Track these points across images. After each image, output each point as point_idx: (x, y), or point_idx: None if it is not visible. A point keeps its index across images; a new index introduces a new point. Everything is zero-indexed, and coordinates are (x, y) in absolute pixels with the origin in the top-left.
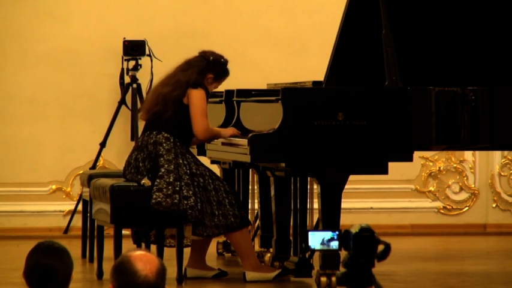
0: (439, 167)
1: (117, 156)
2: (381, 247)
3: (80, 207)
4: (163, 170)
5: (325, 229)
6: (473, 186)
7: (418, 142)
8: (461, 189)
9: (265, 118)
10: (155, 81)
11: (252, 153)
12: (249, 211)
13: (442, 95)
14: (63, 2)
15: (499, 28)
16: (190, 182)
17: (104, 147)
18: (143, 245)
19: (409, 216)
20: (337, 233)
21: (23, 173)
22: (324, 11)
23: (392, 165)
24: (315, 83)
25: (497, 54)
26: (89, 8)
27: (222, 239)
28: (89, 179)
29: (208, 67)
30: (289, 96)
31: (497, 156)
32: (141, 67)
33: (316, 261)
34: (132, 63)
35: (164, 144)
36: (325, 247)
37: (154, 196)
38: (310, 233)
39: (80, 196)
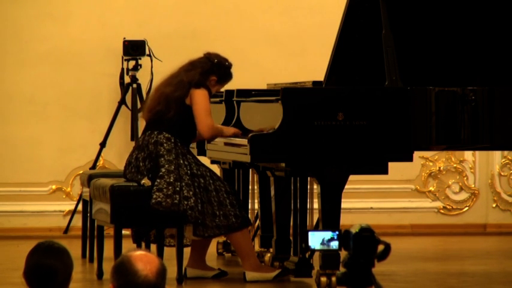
0: (439, 167)
1: (117, 156)
2: (381, 247)
3: (80, 207)
4: (163, 170)
5: (325, 229)
6: (473, 186)
7: (418, 142)
8: (461, 189)
9: (265, 118)
10: (155, 81)
11: (252, 153)
12: (249, 211)
13: (442, 95)
14: (63, 3)
15: (499, 28)
16: (191, 183)
17: (104, 147)
18: (143, 245)
19: (409, 216)
20: (337, 233)
21: (23, 173)
22: (324, 11)
23: (392, 165)
24: (315, 83)
25: (497, 54)
26: (89, 8)
27: (222, 239)
28: (89, 179)
29: (212, 69)
30: (289, 96)
31: (497, 156)
32: (141, 67)
33: (316, 261)
34: (132, 63)
35: (165, 145)
36: (325, 247)
37: (154, 196)
38: (310, 233)
39: (80, 196)
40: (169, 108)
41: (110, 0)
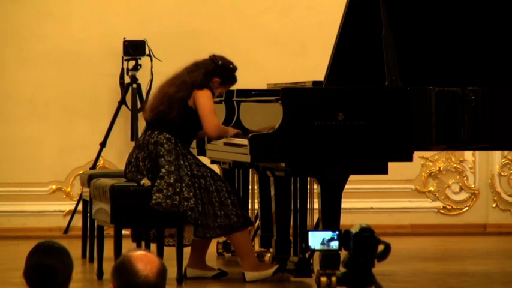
0: (439, 167)
1: (117, 156)
2: (381, 247)
3: (80, 207)
4: (164, 170)
5: (325, 229)
6: (473, 186)
7: (418, 142)
8: (461, 189)
9: (265, 118)
10: (155, 81)
11: (252, 153)
12: (249, 211)
13: (442, 95)
14: (63, 2)
15: (499, 28)
16: (191, 184)
17: (104, 147)
18: (143, 245)
19: (409, 216)
20: (337, 233)
21: (23, 173)
22: (324, 11)
23: (392, 165)
24: (315, 83)
25: (497, 54)
26: (89, 8)
27: (222, 239)
28: (89, 179)
29: (216, 71)
30: (289, 96)
31: (497, 156)
32: (141, 67)
33: (316, 261)
34: (132, 63)
35: (165, 145)
36: (325, 247)
37: (154, 197)
38: (310, 233)
39: (80, 196)
40: (171, 109)
41: (110, 0)
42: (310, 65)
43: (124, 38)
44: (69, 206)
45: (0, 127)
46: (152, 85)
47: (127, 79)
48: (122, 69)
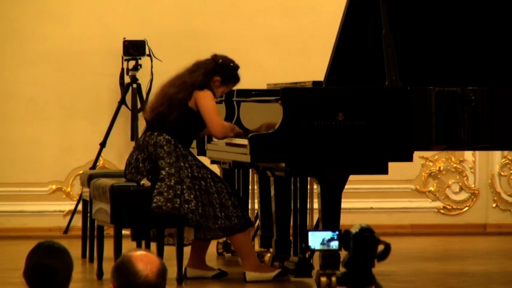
0: (439, 167)
1: (117, 156)
2: (381, 247)
3: (80, 207)
4: (164, 173)
5: (325, 229)
6: (473, 186)
7: (418, 142)
8: (461, 189)
9: (265, 118)
10: (155, 81)
11: (252, 153)
12: (249, 211)
13: (442, 95)
14: (64, 2)
15: (499, 28)
16: (192, 186)
17: (104, 147)
18: (143, 245)
19: (409, 216)
20: (337, 233)
21: (23, 173)
22: (324, 11)
23: (392, 165)
24: (315, 83)
25: (497, 54)
26: (89, 8)
27: (222, 239)
28: (89, 179)
29: (216, 69)
30: (289, 96)
31: (497, 156)
32: (141, 67)
33: (316, 261)
34: (132, 63)
35: (165, 147)
36: (325, 247)
37: (154, 200)
38: (310, 233)
39: (80, 196)
40: (171, 110)
41: (110, 0)
42: (310, 65)
43: (124, 38)
44: (69, 206)
45: (0, 127)
46: (152, 85)
47: (127, 79)
48: (122, 69)
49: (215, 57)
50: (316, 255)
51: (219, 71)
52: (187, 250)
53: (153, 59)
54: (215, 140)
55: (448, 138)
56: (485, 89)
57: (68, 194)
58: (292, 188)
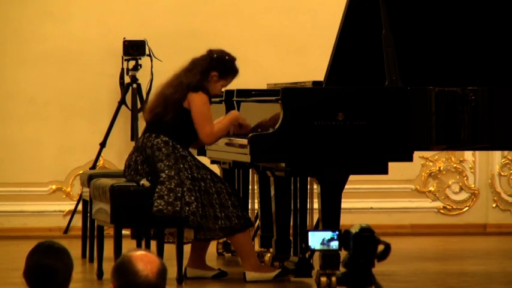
0: (439, 167)
1: (117, 156)
2: (381, 247)
3: (80, 207)
4: (164, 175)
5: (325, 229)
6: (473, 186)
7: (418, 142)
8: (461, 189)
9: (265, 118)
10: (155, 81)
11: (252, 153)
12: (249, 211)
13: (442, 95)
14: (63, 2)
15: (499, 28)
16: (192, 187)
17: (104, 147)
18: (143, 244)
19: (409, 216)
20: (337, 233)
21: (23, 173)
22: (324, 11)
23: (392, 165)
24: (315, 83)
25: (497, 54)
26: (89, 8)
27: (222, 239)
28: (89, 179)
29: (212, 65)
30: (289, 96)
31: (497, 156)
32: (141, 67)
33: (316, 261)
34: (132, 63)
35: (163, 149)
36: (325, 247)
37: (155, 204)
38: (310, 233)
39: (80, 196)
40: (167, 111)
41: (110, 0)
42: (310, 65)
43: (124, 38)
44: (69, 206)
45: (0, 127)
46: (152, 85)
47: (127, 79)
48: (122, 69)
49: (210, 53)
50: (316, 255)
51: (215, 66)
52: (187, 250)
53: (153, 59)
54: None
55: (448, 138)
56: (485, 89)
57: (68, 194)
58: (292, 188)
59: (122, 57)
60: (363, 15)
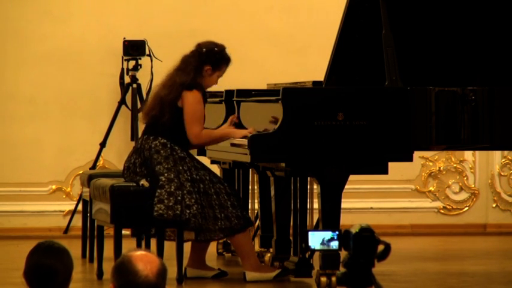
0: (439, 167)
1: (117, 156)
2: (381, 247)
3: (80, 207)
4: (163, 179)
5: (325, 229)
6: (473, 186)
7: (418, 142)
8: (461, 189)
9: (265, 118)
10: (155, 81)
11: (252, 153)
12: (249, 211)
13: (442, 95)
14: (63, 2)
15: (499, 28)
16: (192, 189)
17: (104, 147)
18: (143, 244)
19: (409, 216)
20: (337, 233)
21: (23, 173)
22: (324, 10)
23: (392, 165)
24: (315, 83)
25: (497, 54)
26: (89, 8)
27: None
28: (89, 179)
29: (203, 59)
30: (289, 96)
31: (497, 156)
32: (141, 67)
33: (316, 261)
34: (132, 63)
35: (162, 151)
36: (325, 247)
37: (155, 208)
38: (310, 233)
39: (80, 196)
40: (163, 113)
41: (110, 0)
42: (310, 65)
43: (124, 38)
44: (69, 206)
45: (0, 127)
46: (152, 85)
47: (127, 79)
48: (122, 69)
49: (199, 47)
50: (316, 255)
51: (206, 60)
52: (187, 250)
53: (153, 59)
54: (219, 143)
55: (448, 138)
56: (485, 89)
57: (68, 194)
58: (292, 188)
59: (122, 57)
60: (363, 15)
